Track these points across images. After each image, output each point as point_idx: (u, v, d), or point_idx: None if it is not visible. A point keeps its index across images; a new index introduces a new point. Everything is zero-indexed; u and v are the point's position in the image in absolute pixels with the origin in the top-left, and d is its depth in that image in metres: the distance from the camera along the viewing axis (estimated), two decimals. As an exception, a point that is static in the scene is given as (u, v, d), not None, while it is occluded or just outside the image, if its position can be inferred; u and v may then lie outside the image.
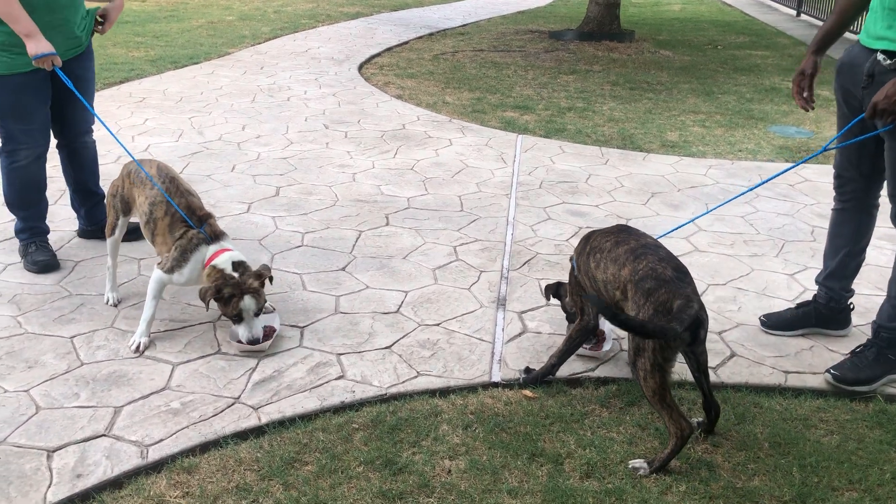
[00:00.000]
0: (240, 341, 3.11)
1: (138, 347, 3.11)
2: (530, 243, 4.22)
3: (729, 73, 9.26)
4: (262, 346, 3.11)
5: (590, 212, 4.70)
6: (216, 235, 3.17)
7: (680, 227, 3.35)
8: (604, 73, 9.04)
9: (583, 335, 2.93)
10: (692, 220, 3.49)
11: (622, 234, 2.73)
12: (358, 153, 5.69)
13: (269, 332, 3.19)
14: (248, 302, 3.04)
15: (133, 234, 4.02)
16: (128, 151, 3.59)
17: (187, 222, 3.15)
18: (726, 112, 7.33)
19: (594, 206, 4.80)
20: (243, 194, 4.80)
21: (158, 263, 3.18)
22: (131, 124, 6.22)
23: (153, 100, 7.03)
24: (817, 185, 5.28)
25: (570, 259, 3.02)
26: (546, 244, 4.22)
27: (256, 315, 3.08)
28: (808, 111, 2.98)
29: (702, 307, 2.42)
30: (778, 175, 3.24)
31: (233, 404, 2.82)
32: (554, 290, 3.19)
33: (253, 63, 8.90)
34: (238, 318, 3.06)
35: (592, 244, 2.81)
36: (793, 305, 3.49)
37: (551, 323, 3.41)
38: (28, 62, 3.44)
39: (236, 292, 3.03)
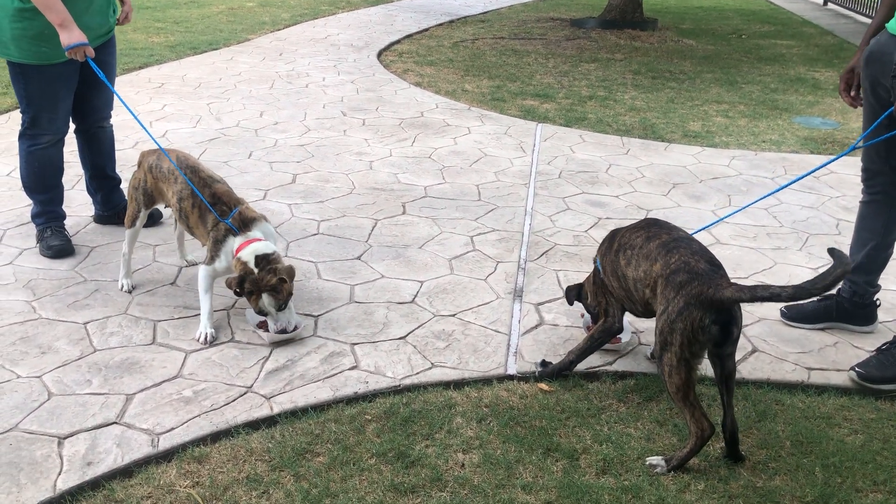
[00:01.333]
0: (259, 328, 3.11)
1: (206, 338, 3.08)
2: (549, 234, 4.16)
3: (753, 62, 9.11)
4: (287, 335, 3.09)
5: (610, 202, 4.63)
6: (245, 224, 3.12)
7: (714, 223, 3.25)
8: (626, 61, 8.93)
9: (605, 336, 2.87)
10: (727, 217, 3.41)
11: (653, 228, 2.66)
12: (375, 141, 5.64)
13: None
14: (265, 300, 3.00)
15: (149, 220, 4.01)
16: (157, 143, 3.57)
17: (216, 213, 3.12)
18: (750, 102, 7.20)
19: (614, 196, 4.73)
20: (260, 181, 4.77)
21: (187, 266, 3.18)
22: (149, 110, 6.20)
23: (172, 85, 7.02)
24: (842, 177, 5.17)
25: (594, 260, 2.95)
26: (565, 235, 4.16)
27: (280, 309, 3.03)
28: (855, 108, 2.95)
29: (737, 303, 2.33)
30: (815, 171, 3.15)
31: (245, 393, 2.79)
32: (576, 293, 3.11)
33: (272, 49, 8.87)
34: (262, 313, 3.04)
35: (621, 241, 2.73)
36: (815, 298, 3.41)
37: (568, 315, 3.35)
38: (64, 52, 3.42)
39: (254, 289, 2.99)
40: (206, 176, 3.24)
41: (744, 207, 3.22)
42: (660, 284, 2.43)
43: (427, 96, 7.01)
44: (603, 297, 2.87)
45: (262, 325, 3.13)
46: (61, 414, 2.64)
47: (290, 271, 3.08)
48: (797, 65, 9.02)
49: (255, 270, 3.01)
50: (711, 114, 6.75)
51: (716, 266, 2.41)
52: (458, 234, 4.12)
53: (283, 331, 3.06)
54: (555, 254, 3.93)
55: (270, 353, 3.03)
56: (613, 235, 2.83)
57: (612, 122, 6.35)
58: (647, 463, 2.47)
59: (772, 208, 4.60)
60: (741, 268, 3.82)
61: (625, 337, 3.10)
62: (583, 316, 3.24)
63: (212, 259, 3.13)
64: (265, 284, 2.99)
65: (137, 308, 3.33)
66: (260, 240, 3.10)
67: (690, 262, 2.39)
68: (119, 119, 4.55)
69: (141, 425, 2.61)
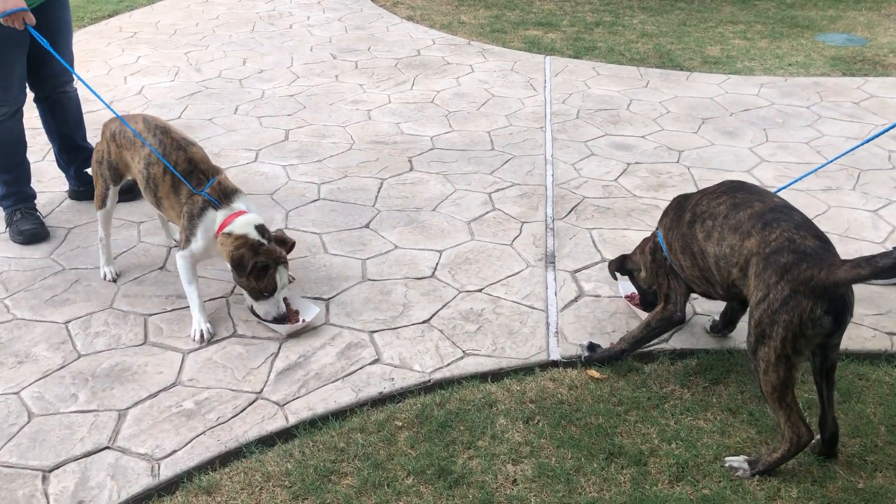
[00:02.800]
0: (262, 319, 2.74)
1: (202, 336, 2.70)
2: (574, 185, 3.76)
3: (764, -25, 8.54)
4: (295, 326, 2.73)
5: (637, 144, 4.21)
6: (226, 195, 2.70)
7: (803, 177, 2.81)
8: (628, -19, 8.35)
9: (665, 325, 2.48)
10: (817, 170, 2.99)
11: (740, 194, 2.23)
12: (371, 86, 5.17)
13: (293, 317, 2.77)
14: (283, 274, 2.65)
15: (130, 192, 3.59)
16: (109, 107, 3.12)
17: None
18: (767, 21, 6.71)
19: (640, 136, 4.30)
20: (249, 140, 4.32)
21: (175, 247, 2.75)
22: (122, 63, 5.68)
23: (145, 34, 6.46)
24: (885, 101, 4.75)
25: (655, 234, 2.53)
26: (592, 186, 3.75)
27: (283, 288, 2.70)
28: None
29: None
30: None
31: (255, 401, 2.43)
32: (618, 266, 2.69)
33: (249, -13, 8.24)
34: (271, 292, 2.65)
35: (696, 209, 2.30)
36: (887, 248, 3.05)
37: (611, 283, 2.97)
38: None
39: (270, 263, 2.61)
40: (180, 138, 2.79)
41: (832, 160, 2.81)
42: (754, 264, 2.03)
43: (422, 31, 6.48)
44: (665, 278, 2.46)
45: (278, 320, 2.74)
46: (44, 440, 2.28)
47: (281, 232, 2.81)
48: (811, -24, 8.45)
49: (265, 242, 2.62)
50: (728, 36, 6.27)
51: (825, 242, 2.01)
52: (475, 191, 3.72)
53: (283, 318, 2.69)
54: (585, 209, 3.54)
55: (279, 348, 2.66)
56: (682, 204, 2.41)
57: (624, 50, 5.87)
58: (727, 465, 2.14)
59: (813, 142, 4.20)
60: (792, 214, 3.44)
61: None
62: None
63: (188, 240, 2.71)
64: (281, 257, 2.63)
65: (124, 300, 2.94)
66: (246, 212, 2.69)
67: (796, 238, 1.99)
68: (87, 76, 4.07)
69: (138, 449, 2.25)
